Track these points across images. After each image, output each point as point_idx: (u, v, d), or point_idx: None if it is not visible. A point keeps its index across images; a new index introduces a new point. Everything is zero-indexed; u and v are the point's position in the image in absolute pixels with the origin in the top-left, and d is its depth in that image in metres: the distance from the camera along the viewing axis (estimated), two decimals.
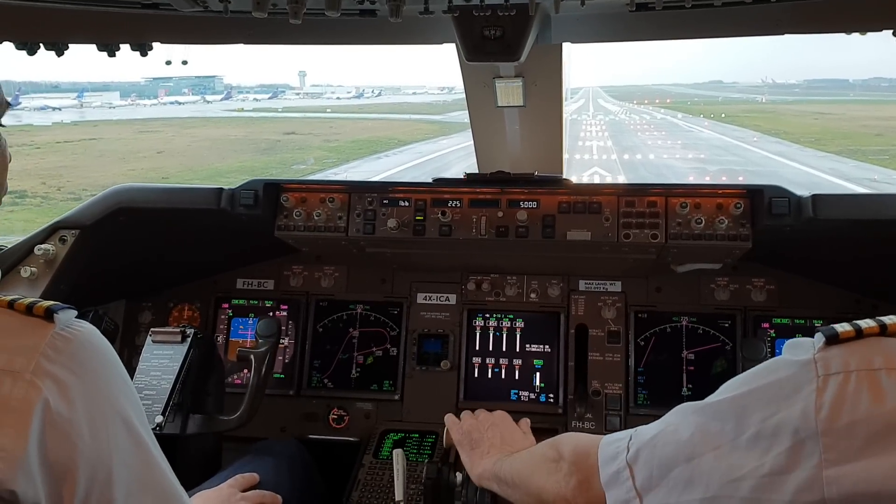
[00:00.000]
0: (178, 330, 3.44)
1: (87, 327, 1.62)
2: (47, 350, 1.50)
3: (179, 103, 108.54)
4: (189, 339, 3.41)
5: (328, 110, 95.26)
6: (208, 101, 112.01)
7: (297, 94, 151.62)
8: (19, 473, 1.42)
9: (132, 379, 3.19)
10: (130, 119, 74.98)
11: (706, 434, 1.62)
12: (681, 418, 1.72)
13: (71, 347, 1.54)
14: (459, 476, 2.92)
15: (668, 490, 1.66)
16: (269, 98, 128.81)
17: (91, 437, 1.52)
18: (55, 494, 1.48)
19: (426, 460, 3.49)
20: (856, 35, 2.55)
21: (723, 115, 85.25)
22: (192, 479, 3.05)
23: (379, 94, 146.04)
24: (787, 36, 2.68)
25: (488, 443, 2.79)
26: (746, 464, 1.52)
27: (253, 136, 59.71)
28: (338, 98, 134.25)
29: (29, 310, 1.54)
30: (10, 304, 1.56)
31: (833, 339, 1.49)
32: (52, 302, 1.57)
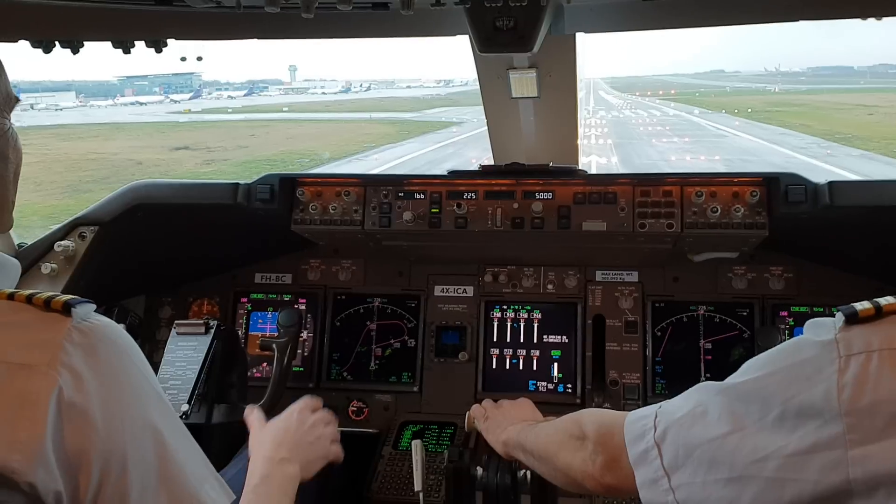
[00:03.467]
0: (202, 322, 3.48)
1: (105, 321, 1.61)
2: (65, 344, 1.50)
3: (141, 104, 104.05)
4: (213, 331, 3.45)
5: (285, 109, 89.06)
6: (175, 101, 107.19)
7: (280, 89, 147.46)
8: (38, 466, 1.42)
9: (157, 371, 3.24)
10: (37, 126, 64.71)
11: (732, 415, 1.62)
12: (707, 398, 1.72)
13: (88, 341, 1.54)
14: (480, 470, 2.93)
15: (693, 469, 1.67)
16: (245, 95, 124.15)
17: (105, 429, 1.51)
18: (72, 484, 1.48)
19: (446, 449, 3.50)
20: (856, 22, 2.53)
21: (749, 111, 73.23)
22: (217, 468, 3.07)
23: (368, 89, 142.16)
24: (788, 24, 2.66)
25: (511, 420, 2.81)
26: (771, 444, 1.53)
27: (130, 154, 47.69)
28: (323, 93, 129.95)
29: (47, 304, 1.54)
30: (29, 299, 1.55)
31: (853, 318, 1.49)
32: (70, 296, 1.56)
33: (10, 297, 1.56)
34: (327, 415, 2.91)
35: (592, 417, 2.14)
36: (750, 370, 1.66)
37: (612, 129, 56.29)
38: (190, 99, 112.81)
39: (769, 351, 1.65)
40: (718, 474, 1.61)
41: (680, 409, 1.77)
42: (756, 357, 1.68)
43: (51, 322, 1.53)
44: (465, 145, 42.11)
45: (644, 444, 1.80)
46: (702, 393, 1.76)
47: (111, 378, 1.56)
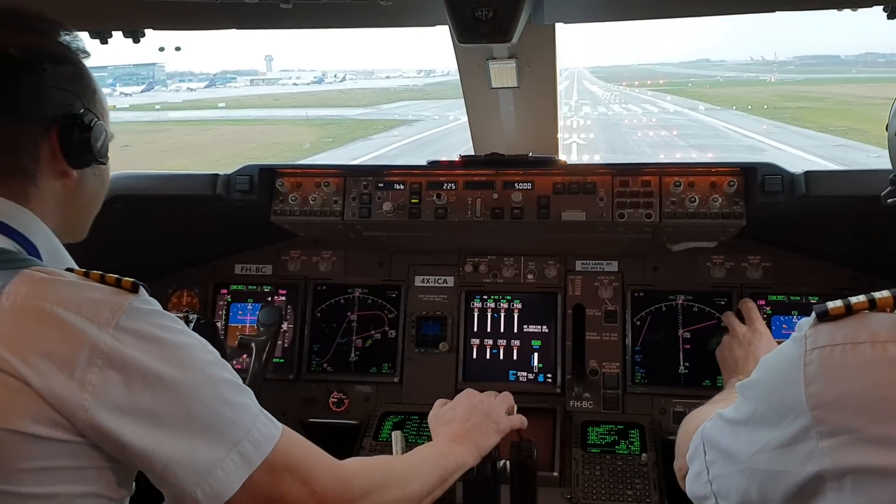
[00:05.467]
0: (182, 315, 3.47)
1: (155, 301, 1.81)
2: (129, 309, 1.70)
3: None
4: (192, 325, 3.43)
5: (221, 105, 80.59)
6: (126, 94, 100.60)
7: (249, 80, 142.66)
8: (105, 409, 1.63)
9: None
10: None
11: (740, 411, 1.74)
12: (733, 396, 1.87)
13: (150, 307, 1.76)
14: None
15: (721, 462, 1.81)
16: (206, 87, 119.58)
17: (171, 379, 1.70)
18: (145, 440, 1.67)
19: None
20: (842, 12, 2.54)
21: (765, 107, 60.95)
22: None
23: (343, 80, 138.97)
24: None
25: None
26: (762, 438, 1.61)
27: None
28: (294, 84, 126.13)
29: (118, 282, 1.75)
30: (102, 277, 1.77)
31: (823, 316, 1.54)
32: (134, 279, 1.77)
33: (86, 273, 1.78)
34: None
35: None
36: (756, 369, 1.75)
37: (599, 135, 44.75)
38: (142, 92, 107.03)
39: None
40: (735, 466, 1.71)
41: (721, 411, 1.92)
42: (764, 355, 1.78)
43: (119, 293, 1.74)
44: (396, 158, 35.59)
45: (695, 442, 1.96)
46: (733, 393, 1.95)
47: (169, 342, 1.74)
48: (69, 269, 1.82)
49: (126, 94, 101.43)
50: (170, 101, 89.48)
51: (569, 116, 52.70)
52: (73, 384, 1.60)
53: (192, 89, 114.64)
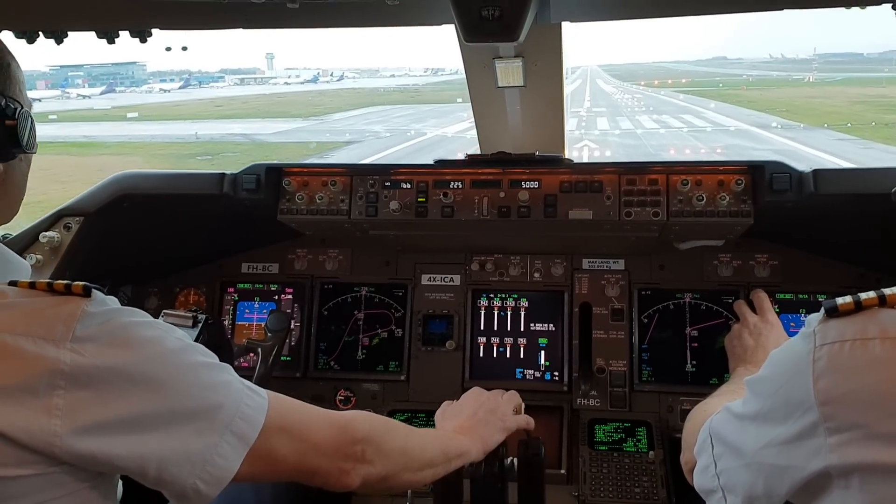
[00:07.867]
0: (190, 315, 3.46)
1: (113, 299, 1.71)
2: (83, 318, 1.59)
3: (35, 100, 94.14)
4: (200, 325, 3.43)
5: (130, 115, 70.00)
6: (85, 96, 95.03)
7: (242, 79, 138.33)
8: (79, 433, 1.54)
9: None
10: None
11: (748, 406, 1.75)
12: (740, 391, 1.87)
13: (105, 308, 1.65)
14: None
15: (728, 456, 1.82)
16: (181, 88, 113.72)
17: (143, 380, 1.62)
18: (123, 450, 1.60)
19: None
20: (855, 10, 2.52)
21: (873, 124, 45.73)
22: None
23: (341, 78, 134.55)
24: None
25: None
26: (769, 433, 1.62)
27: None
28: (286, 83, 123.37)
29: (67, 288, 1.64)
30: (49, 286, 1.64)
31: (833, 312, 1.54)
32: (85, 283, 1.66)
33: (32, 285, 1.66)
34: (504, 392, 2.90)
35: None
36: (764, 364, 1.75)
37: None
38: (101, 94, 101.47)
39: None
40: (742, 460, 1.73)
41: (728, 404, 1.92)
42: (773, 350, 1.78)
43: (70, 301, 1.62)
44: None
45: (703, 435, 1.97)
46: (739, 385, 1.94)
47: (132, 340, 1.65)
48: (12, 283, 1.67)
49: (85, 96, 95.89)
50: (97, 107, 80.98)
51: (577, 140, 37.81)
52: (39, 413, 1.50)
53: (165, 90, 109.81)
